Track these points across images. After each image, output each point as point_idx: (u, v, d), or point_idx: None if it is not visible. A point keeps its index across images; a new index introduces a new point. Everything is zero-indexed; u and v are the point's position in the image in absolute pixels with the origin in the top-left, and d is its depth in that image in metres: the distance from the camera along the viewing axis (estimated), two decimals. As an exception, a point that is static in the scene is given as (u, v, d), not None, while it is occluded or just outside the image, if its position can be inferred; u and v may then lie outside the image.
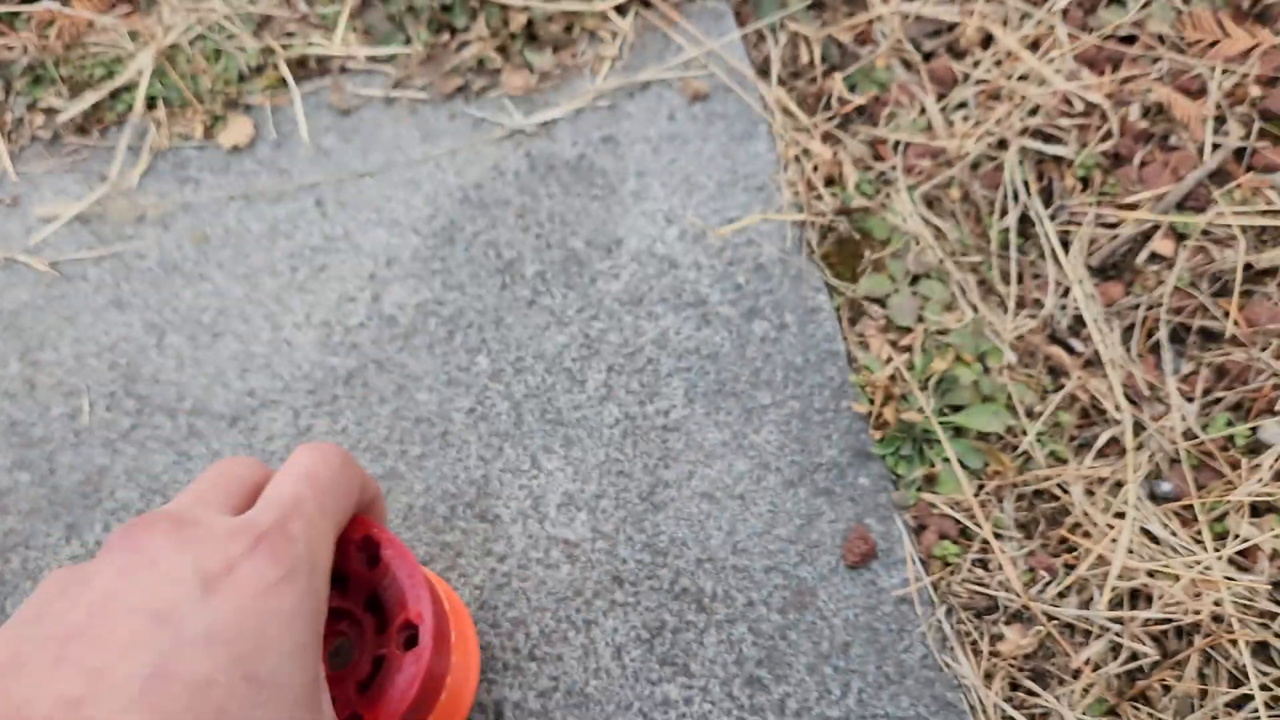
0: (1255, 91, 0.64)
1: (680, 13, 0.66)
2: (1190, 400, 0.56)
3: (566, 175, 0.61)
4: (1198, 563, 0.51)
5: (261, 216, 0.61)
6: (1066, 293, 0.59)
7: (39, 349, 0.58)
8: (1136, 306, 0.58)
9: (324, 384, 0.56)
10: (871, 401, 0.54)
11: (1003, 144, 0.63)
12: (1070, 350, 0.58)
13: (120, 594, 0.29)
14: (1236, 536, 0.52)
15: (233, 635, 0.28)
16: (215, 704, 0.27)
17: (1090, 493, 0.53)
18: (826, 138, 0.62)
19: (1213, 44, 0.66)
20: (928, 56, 0.66)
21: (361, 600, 0.39)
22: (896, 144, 0.62)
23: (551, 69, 0.64)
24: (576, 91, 0.63)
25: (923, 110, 0.63)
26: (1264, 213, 0.60)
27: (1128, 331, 0.58)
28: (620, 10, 0.66)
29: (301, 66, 0.65)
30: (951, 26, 0.66)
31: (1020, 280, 0.60)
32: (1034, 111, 0.63)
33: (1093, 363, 0.57)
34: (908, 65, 0.65)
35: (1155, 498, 0.54)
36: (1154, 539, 0.52)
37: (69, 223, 0.61)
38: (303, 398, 0.56)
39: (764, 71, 0.65)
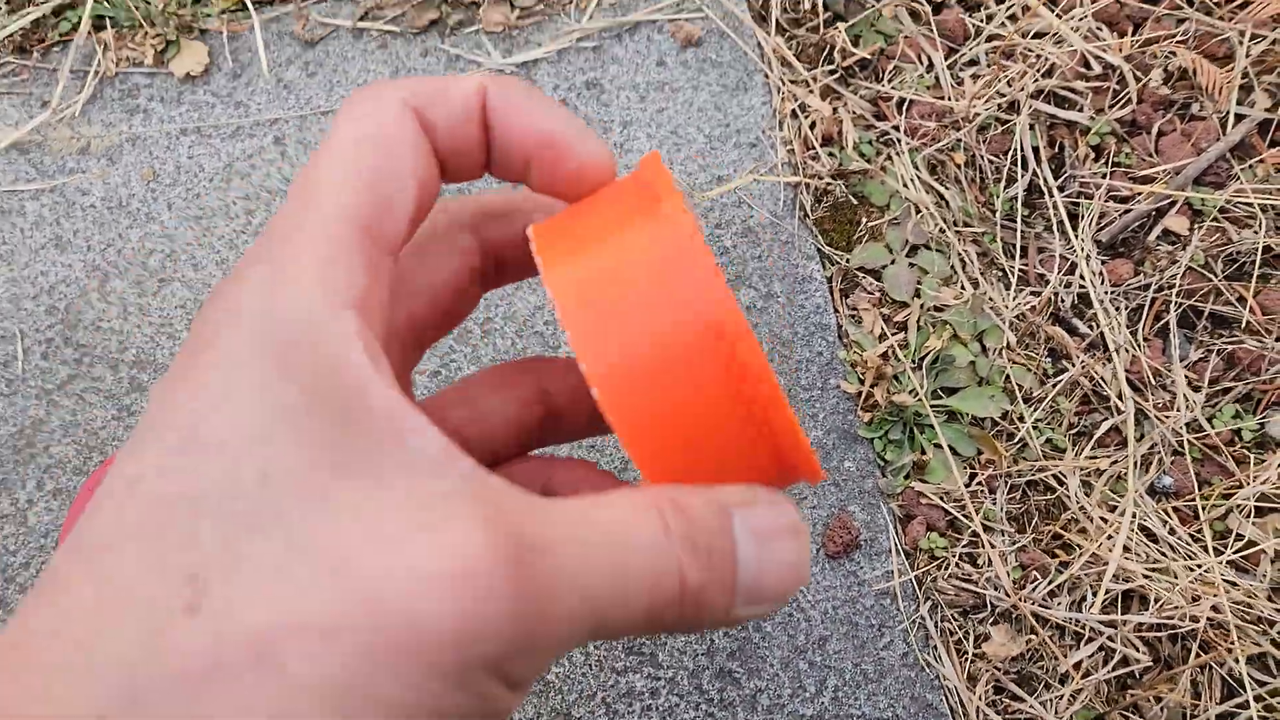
0: (1284, 60, 0.60)
1: (675, -52, 0.61)
2: (1197, 389, 0.53)
3: (546, 122, 0.57)
4: (1198, 565, 0.48)
5: (216, 153, 0.56)
6: (1073, 269, 0.56)
7: (-30, 289, 0.54)
8: (1146, 287, 0.55)
9: (277, 339, 0.52)
10: (862, 381, 0.51)
11: (1013, 107, 0.58)
12: (1074, 332, 0.54)
13: None
14: (1239, 537, 0.49)
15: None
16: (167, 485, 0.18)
17: (1088, 485, 0.51)
18: (826, 93, 0.58)
19: (1243, 5, 0.62)
20: (938, 8, 0.61)
21: None
22: (901, 102, 0.58)
23: (534, 4, 0.59)
24: (560, 30, 0.59)
25: (930, 66, 0.59)
26: (1286, 192, 0.57)
27: (1135, 314, 0.55)
28: (611, -57, 0.61)
29: (264, -10, 0.60)
30: (965, -24, 0.62)
31: (1024, 254, 0.56)
32: (1049, 73, 0.59)
33: (1096, 346, 0.54)
34: (916, 16, 0.61)
35: (1155, 492, 0.51)
36: (1152, 537, 0.49)
37: (5, 151, 0.56)
38: (254, 353, 0.52)
39: (762, 17, 0.60)
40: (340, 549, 0.17)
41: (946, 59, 0.59)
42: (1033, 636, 0.46)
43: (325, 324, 0.18)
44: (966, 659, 0.47)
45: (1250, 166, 0.58)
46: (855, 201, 0.55)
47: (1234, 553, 0.48)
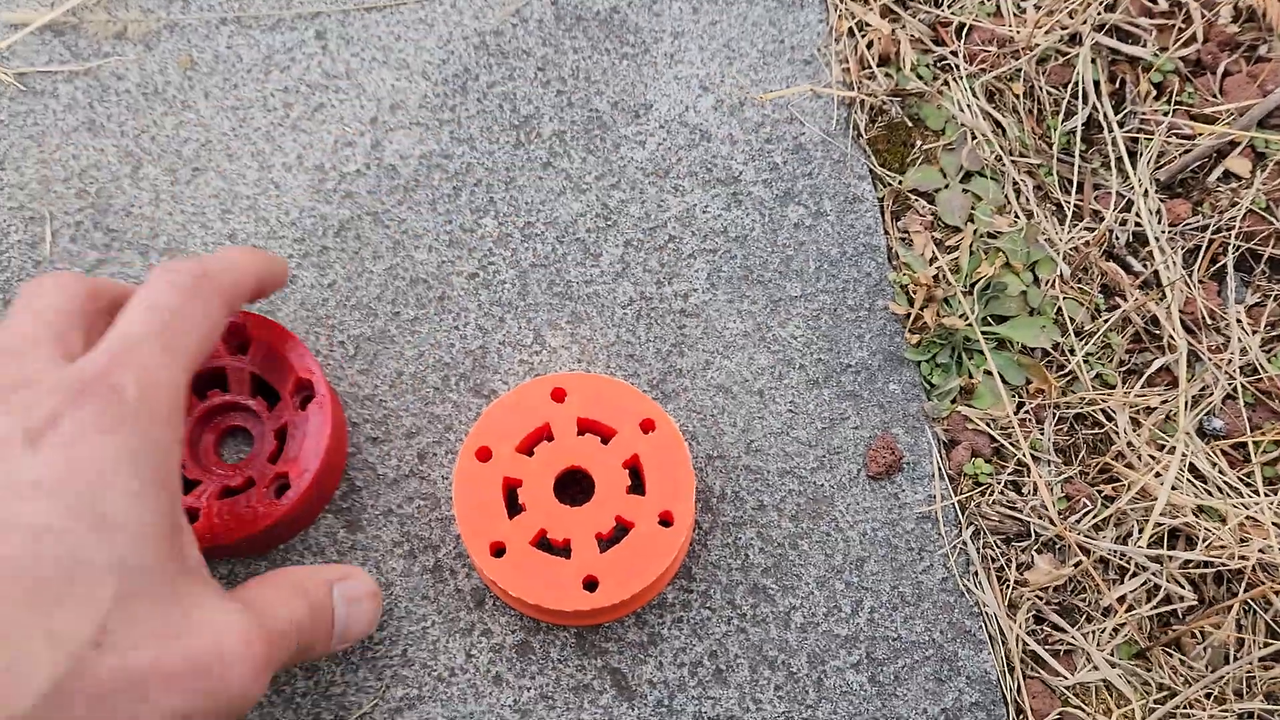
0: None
1: None
2: (1253, 333, 0.51)
3: (595, 28, 0.55)
4: (1245, 506, 0.47)
5: (255, 44, 0.55)
6: (1129, 206, 0.54)
7: None
8: (1204, 228, 0.54)
9: (313, 233, 0.51)
10: (911, 303, 0.50)
11: (1075, 38, 0.57)
12: (1128, 269, 0.53)
13: None
14: (1290, 481, 0.48)
15: (67, 480, 0.27)
16: (57, 549, 0.26)
17: (1136, 422, 0.49)
18: (885, 12, 0.56)
19: (1313, -49, 0.60)
20: (1002, -65, 0.59)
21: (247, 388, 0.43)
22: (960, 27, 0.56)
23: (587, -89, 0.57)
24: (613, -62, 0.57)
25: (992, -7, 0.57)
26: (1352, 138, 0.55)
27: (1191, 254, 0.53)
28: None
29: (310, -116, 0.58)
30: (1031, -95, 0.60)
31: (1080, 189, 0.55)
32: (1112, 6, 0.58)
33: (1150, 284, 0.53)
34: (979, -57, 0.59)
35: (1204, 434, 0.50)
36: (1200, 477, 0.48)
37: (39, 31, 0.55)
38: (289, 246, 0.51)
39: (821, -64, 0.58)
40: (187, 628, 0.29)
41: (1009, -13, 0.58)
42: (1082, 562, 0.45)
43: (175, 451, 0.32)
44: (1008, 586, 0.45)
45: (1316, 111, 0.56)
46: (910, 124, 0.54)
47: (1285, 496, 0.47)
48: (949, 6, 0.57)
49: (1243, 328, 0.51)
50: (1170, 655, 0.45)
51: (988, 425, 0.48)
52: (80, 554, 0.27)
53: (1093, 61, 0.56)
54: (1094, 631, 0.45)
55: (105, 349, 0.31)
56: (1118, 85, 0.57)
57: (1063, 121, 0.55)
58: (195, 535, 0.33)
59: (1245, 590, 0.45)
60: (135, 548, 0.28)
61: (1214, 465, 0.48)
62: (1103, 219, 0.54)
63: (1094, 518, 0.46)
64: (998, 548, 0.46)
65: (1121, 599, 0.45)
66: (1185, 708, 0.44)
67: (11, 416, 0.28)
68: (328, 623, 0.36)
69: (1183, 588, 0.45)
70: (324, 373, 0.44)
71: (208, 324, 0.34)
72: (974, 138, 0.53)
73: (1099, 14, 0.57)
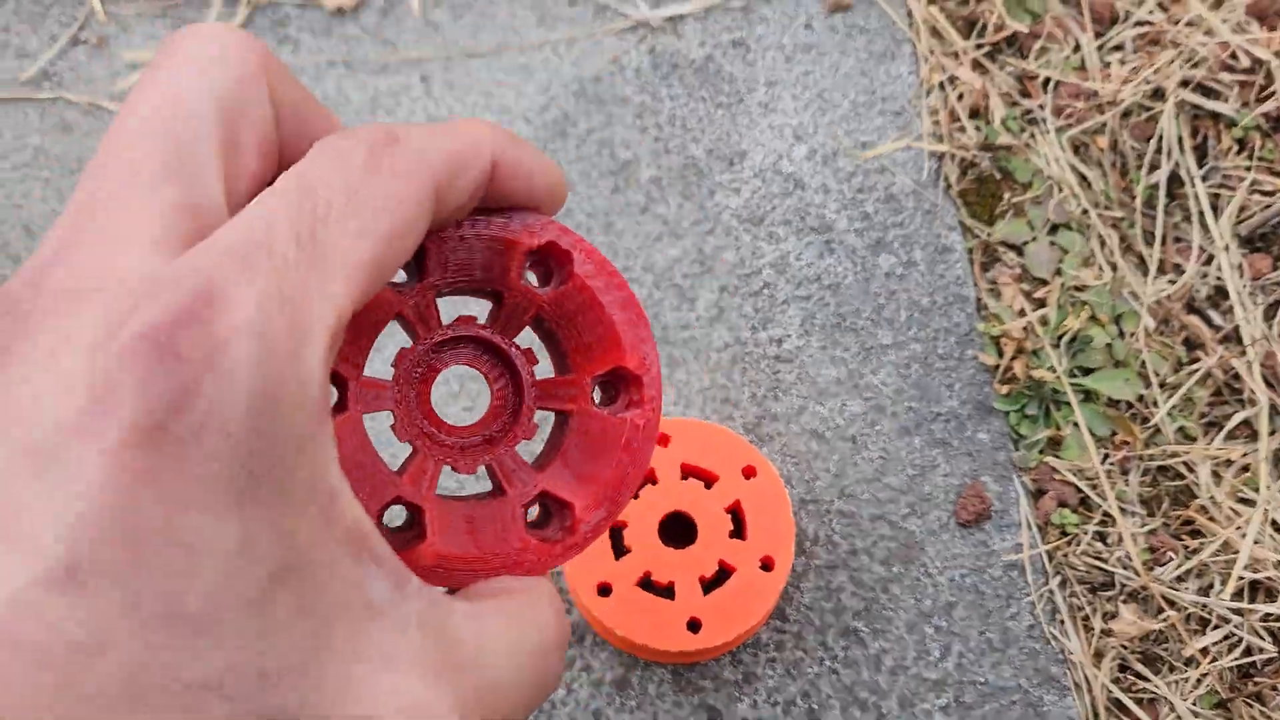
0: None
1: (825, -87, 0.61)
2: (1333, 389, 0.52)
3: (691, 77, 0.57)
4: (1327, 561, 0.48)
5: (362, 87, 0.57)
6: (1210, 260, 0.55)
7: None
8: (1285, 283, 0.55)
9: (419, 272, 0.53)
10: (1000, 354, 0.51)
11: (1159, 94, 0.58)
12: (1209, 323, 0.54)
13: None
14: (1369, 538, 0.49)
15: (111, 541, 0.14)
16: (114, 682, 0.14)
17: (1217, 475, 0.50)
18: (975, 66, 0.58)
19: (1395, 8, 0.61)
20: (1087, -11, 0.61)
21: (514, 331, 0.24)
22: (1046, 81, 0.58)
23: (683, -40, 0.59)
24: (708, -13, 0.59)
25: (1077, 48, 0.59)
26: None
27: (1272, 308, 0.55)
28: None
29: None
30: (1115, -41, 0.61)
31: (1163, 242, 0.56)
32: (1195, 62, 0.59)
33: (1231, 338, 0.54)
34: (1065, -3, 0.60)
35: (1285, 487, 0.51)
36: (1281, 531, 0.49)
37: (160, 72, 0.57)
38: (395, 285, 0.53)
39: (908, -13, 0.60)
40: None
41: (1094, 41, 0.59)
42: (1170, 614, 0.46)
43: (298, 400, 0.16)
44: (1093, 635, 0.47)
45: (1397, 169, 0.57)
46: (999, 176, 0.55)
47: (1365, 552, 0.48)
48: (1035, 60, 0.58)
49: (1322, 383, 0.53)
50: (1251, 706, 0.46)
51: (1074, 476, 0.49)
52: (151, 671, 0.15)
53: (1176, 116, 0.57)
54: (1177, 681, 0.46)
55: (211, 247, 0.16)
56: (1200, 140, 0.58)
57: (1146, 175, 0.57)
58: (410, 562, 0.20)
59: (1327, 645, 0.46)
60: (253, 632, 0.15)
61: (1294, 519, 0.49)
62: (1184, 272, 0.55)
63: (1177, 569, 0.48)
64: (1083, 597, 0.47)
65: (1204, 650, 0.47)
66: (1267, 759, 0.45)
67: (20, 389, 0.15)
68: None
69: (1263, 640, 0.47)
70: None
71: (396, 217, 0.18)
72: (1060, 191, 0.55)
73: (1182, 69, 0.58)
